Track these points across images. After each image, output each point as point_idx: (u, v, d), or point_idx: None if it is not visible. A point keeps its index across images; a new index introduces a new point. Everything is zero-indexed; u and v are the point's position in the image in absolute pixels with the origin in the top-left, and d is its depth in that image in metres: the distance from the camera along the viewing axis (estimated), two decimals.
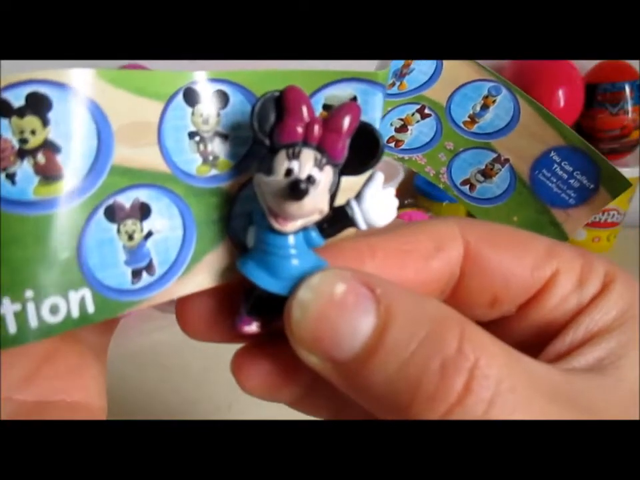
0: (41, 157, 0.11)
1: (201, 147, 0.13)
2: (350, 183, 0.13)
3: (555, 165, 0.22)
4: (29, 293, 0.11)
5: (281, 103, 0.12)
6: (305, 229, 0.13)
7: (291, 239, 0.12)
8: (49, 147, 0.11)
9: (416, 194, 0.58)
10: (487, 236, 0.15)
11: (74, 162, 0.11)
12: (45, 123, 0.11)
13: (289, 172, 0.12)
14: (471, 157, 0.24)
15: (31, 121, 0.11)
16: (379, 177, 0.13)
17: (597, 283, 0.14)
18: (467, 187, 0.25)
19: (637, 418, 0.12)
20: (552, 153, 0.22)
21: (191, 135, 0.13)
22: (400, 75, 0.21)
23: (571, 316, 0.14)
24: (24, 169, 0.11)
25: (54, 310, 0.11)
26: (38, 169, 0.11)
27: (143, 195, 0.12)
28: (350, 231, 0.13)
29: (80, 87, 0.11)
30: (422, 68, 0.22)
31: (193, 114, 0.13)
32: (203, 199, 0.13)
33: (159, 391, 0.37)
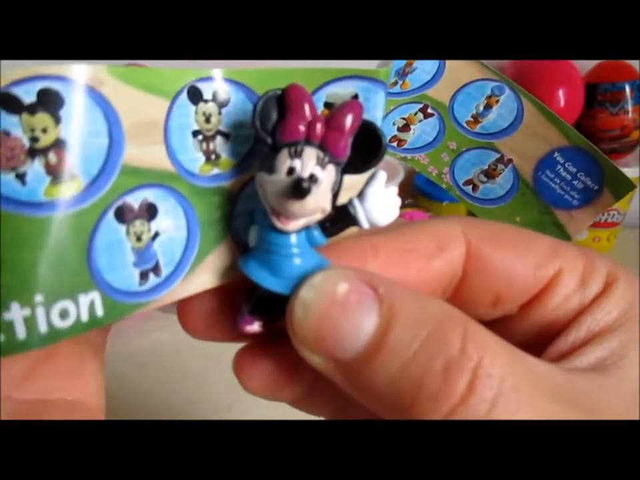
0: (52, 157, 0.10)
1: (204, 145, 0.13)
2: (352, 181, 0.13)
3: (559, 166, 0.22)
4: (39, 298, 0.11)
5: (283, 101, 0.12)
6: (307, 228, 0.13)
7: (293, 238, 0.12)
8: (61, 146, 0.10)
9: (416, 194, 0.58)
10: (489, 235, 0.15)
11: (86, 161, 0.11)
12: (57, 120, 0.10)
13: (291, 170, 0.12)
14: (474, 157, 0.24)
15: (43, 119, 0.10)
16: (382, 175, 0.13)
17: (600, 283, 0.14)
18: (470, 187, 0.25)
19: (639, 418, 0.12)
20: (555, 154, 0.22)
21: (195, 134, 0.13)
22: (402, 73, 0.21)
23: (573, 315, 0.14)
24: (35, 168, 0.10)
25: (64, 314, 0.11)
26: (49, 169, 0.10)
27: (150, 194, 0.12)
28: (352, 229, 0.13)
29: (92, 83, 0.11)
30: (425, 67, 0.22)
31: (196, 112, 0.13)
32: (206, 199, 0.13)
33: (159, 391, 0.37)
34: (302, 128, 0.12)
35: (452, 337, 0.11)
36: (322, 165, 0.12)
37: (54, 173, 0.10)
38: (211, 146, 0.13)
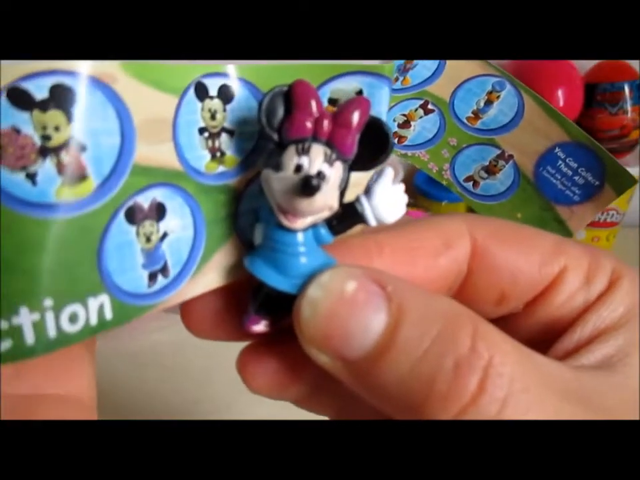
0: (64, 156, 0.10)
1: (210, 142, 0.13)
2: (356, 178, 0.13)
3: (560, 162, 0.22)
4: (48, 302, 0.10)
5: (290, 98, 0.12)
6: (314, 226, 0.12)
7: (300, 236, 0.12)
8: (74, 145, 0.10)
9: (415, 194, 0.58)
10: (494, 233, 0.15)
11: (98, 161, 0.10)
12: (70, 118, 0.10)
13: (298, 168, 0.12)
14: (475, 153, 0.24)
15: (55, 116, 0.10)
16: (389, 172, 0.13)
17: (604, 280, 0.14)
18: (471, 183, 0.25)
19: None
20: (557, 149, 0.22)
21: (201, 131, 0.13)
22: (403, 69, 0.21)
23: (578, 313, 0.14)
24: (46, 168, 0.10)
25: (73, 318, 0.11)
26: (61, 169, 0.10)
27: (159, 194, 0.12)
28: (356, 227, 0.13)
29: (106, 79, 0.10)
30: (425, 63, 0.22)
31: (202, 109, 0.12)
32: (212, 197, 0.13)
33: (159, 390, 0.37)
34: (309, 124, 0.12)
35: (462, 335, 0.11)
36: (329, 162, 0.12)
37: (66, 173, 0.10)
38: (217, 143, 0.13)
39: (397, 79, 0.21)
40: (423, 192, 0.57)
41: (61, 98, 0.10)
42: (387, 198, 0.12)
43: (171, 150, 0.12)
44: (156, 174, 0.12)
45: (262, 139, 0.14)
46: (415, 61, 0.21)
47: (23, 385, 0.12)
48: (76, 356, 0.14)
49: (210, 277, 0.13)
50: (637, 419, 0.12)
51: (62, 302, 0.10)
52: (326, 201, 0.12)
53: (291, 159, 0.12)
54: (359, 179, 0.13)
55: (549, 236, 0.15)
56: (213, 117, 0.13)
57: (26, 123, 0.10)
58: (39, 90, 0.09)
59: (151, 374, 0.38)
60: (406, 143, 0.24)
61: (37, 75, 0.09)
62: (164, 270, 0.12)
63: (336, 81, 0.14)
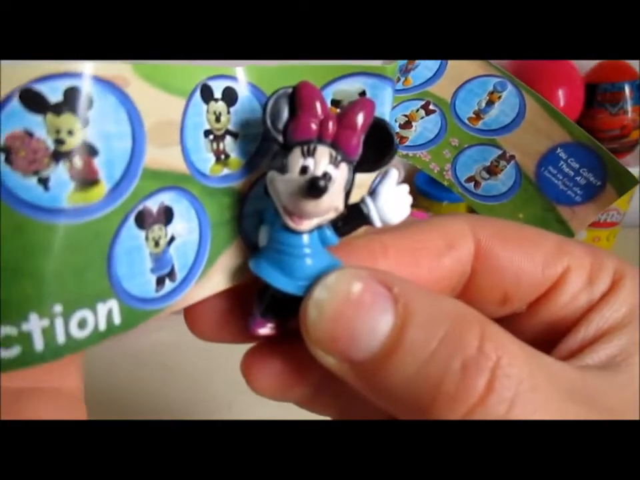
0: (77, 160, 0.10)
1: (214, 145, 0.13)
2: (360, 179, 0.13)
3: (561, 162, 0.22)
4: (58, 308, 0.10)
5: (294, 99, 0.12)
6: (319, 228, 0.12)
7: (306, 238, 0.12)
8: (87, 150, 0.10)
9: (416, 194, 0.58)
10: (497, 233, 0.15)
11: (109, 165, 0.10)
12: (84, 122, 0.10)
13: (304, 169, 0.12)
14: (476, 153, 0.24)
15: (69, 120, 0.09)
16: (394, 173, 0.13)
17: (607, 280, 0.14)
18: (472, 184, 0.25)
19: None
20: (558, 150, 0.22)
21: (206, 134, 0.12)
22: (405, 70, 0.21)
23: (582, 313, 0.14)
24: (58, 173, 0.10)
25: (82, 324, 0.11)
26: (73, 174, 0.10)
27: (167, 198, 0.12)
28: (360, 228, 0.13)
29: (119, 82, 0.10)
30: (427, 63, 0.22)
31: (207, 111, 0.12)
32: (217, 199, 0.13)
33: (160, 390, 0.37)
34: (314, 126, 0.12)
35: (469, 336, 0.11)
36: (335, 163, 0.12)
37: (78, 177, 0.10)
38: (221, 146, 0.13)
39: (398, 80, 0.21)
40: (424, 192, 0.57)
41: (75, 101, 0.09)
42: (392, 199, 0.12)
43: (178, 153, 0.12)
44: (165, 177, 0.12)
45: (265, 141, 0.13)
46: (417, 62, 0.21)
47: (16, 379, 0.12)
48: None
49: (215, 280, 0.13)
50: None
51: (71, 308, 0.10)
52: (332, 203, 0.12)
53: (297, 160, 0.12)
54: (363, 180, 0.13)
55: (552, 236, 0.15)
56: (217, 120, 0.13)
57: (39, 126, 0.09)
58: (53, 93, 0.09)
59: (151, 374, 0.38)
60: (407, 143, 0.24)
61: (50, 77, 0.09)
62: (171, 274, 0.12)
63: (339, 82, 0.14)
